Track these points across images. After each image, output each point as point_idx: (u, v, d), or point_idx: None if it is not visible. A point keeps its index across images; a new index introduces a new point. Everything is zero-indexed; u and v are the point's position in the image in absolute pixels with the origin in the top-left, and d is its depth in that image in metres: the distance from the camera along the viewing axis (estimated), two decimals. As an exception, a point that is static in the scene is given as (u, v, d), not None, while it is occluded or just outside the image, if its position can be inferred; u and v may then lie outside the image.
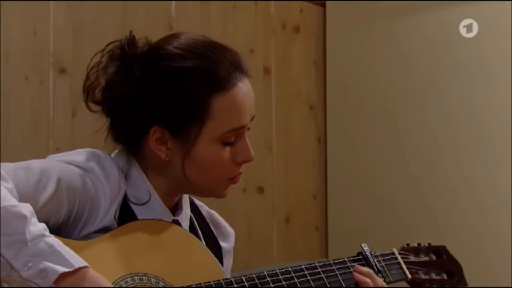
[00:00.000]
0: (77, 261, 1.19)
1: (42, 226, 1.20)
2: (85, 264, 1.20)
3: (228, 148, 1.41)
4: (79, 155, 1.38)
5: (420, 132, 3.04)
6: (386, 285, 1.48)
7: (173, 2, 2.79)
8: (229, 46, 1.44)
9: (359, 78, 3.21)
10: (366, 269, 1.48)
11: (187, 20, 2.80)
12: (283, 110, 3.17)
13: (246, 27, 3.05)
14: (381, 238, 2.92)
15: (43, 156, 1.41)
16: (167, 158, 1.40)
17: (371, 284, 1.45)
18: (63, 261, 1.18)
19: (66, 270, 1.17)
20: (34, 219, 1.20)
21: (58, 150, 2.36)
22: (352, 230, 3.14)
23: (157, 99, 1.38)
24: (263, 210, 3.08)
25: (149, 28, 2.52)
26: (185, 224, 1.48)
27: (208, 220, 1.58)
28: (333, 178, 3.26)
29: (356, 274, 1.46)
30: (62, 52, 2.45)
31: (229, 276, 1.53)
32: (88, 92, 1.43)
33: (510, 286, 2.70)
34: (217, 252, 1.53)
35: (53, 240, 1.19)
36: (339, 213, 3.22)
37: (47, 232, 1.20)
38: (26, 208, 1.19)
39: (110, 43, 1.44)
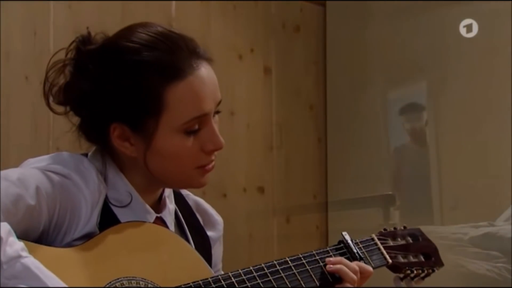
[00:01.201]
0: (54, 282, 1.16)
1: (20, 246, 1.16)
2: (63, 285, 1.17)
3: (191, 137, 1.36)
4: (56, 160, 1.36)
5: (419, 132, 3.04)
6: (360, 264, 1.48)
7: (173, 2, 2.79)
8: (184, 34, 1.39)
9: (359, 78, 3.21)
10: (335, 258, 1.47)
11: (187, 20, 2.80)
12: (283, 110, 3.17)
13: (246, 27, 3.05)
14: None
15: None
16: (133, 154, 1.37)
17: (345, 268, 1.44)
18: (39, 283, 1.14)
19: None
20: (12, 239, 1.16)
21: (58, 150, 2.35)
22: (352, 230, 3.13)
23: (112, 95, 1.35)
24: (264, 210, 3.08)
25: (149, 28, 2.51)
26: (170, 220, 1.46)
27: (194, 210, 1.54)
28: (333, 178, 3.26)
29: (328, 266, 1.45)
30: (63, 52, 2.45)
31: (219, 266, 1.53)
32: (50, 94, 1.41)
33: (510, 286, 2.70)
34: (205, 244, 1.50)
35: (30, 261, 1.16)
36: (339, 212, 3.22)
37: (24, 253, 1.16)
38: (2, 228, 1.15)
39: (73, 42, 1.42)
